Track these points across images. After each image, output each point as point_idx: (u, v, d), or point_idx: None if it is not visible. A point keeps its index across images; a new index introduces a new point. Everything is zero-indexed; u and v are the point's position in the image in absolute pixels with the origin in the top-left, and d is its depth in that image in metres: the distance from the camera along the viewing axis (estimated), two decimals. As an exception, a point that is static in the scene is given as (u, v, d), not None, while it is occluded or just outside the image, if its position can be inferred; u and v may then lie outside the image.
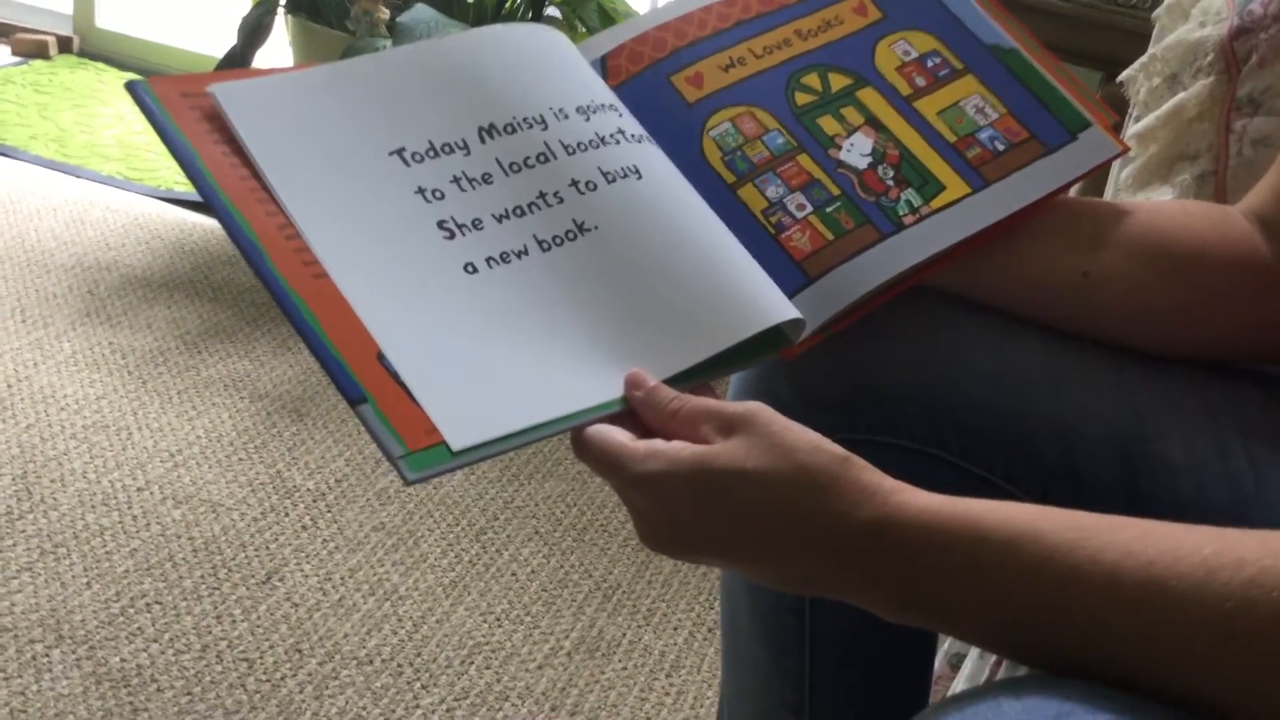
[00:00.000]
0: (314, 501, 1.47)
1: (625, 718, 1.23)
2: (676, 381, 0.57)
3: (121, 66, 2.82)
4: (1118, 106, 0.84)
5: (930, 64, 0.71)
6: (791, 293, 0.61)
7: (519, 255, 0.58)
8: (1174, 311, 0.66)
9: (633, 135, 0.64)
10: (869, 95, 0.69)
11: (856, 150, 0.67)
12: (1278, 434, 0.65)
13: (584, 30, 2.08)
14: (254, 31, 2.02)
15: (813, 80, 0.69)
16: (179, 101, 0.58)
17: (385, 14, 1.98)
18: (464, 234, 0.58)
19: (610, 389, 0.56)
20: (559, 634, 1.32)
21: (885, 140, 0.67)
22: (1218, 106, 0.83)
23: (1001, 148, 0.68)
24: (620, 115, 0.64)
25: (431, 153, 0.60)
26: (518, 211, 0.60)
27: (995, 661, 0.82)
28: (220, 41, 2.19)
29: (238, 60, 2.00)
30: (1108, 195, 1.01)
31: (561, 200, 0.60)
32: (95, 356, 1.68)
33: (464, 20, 2.06)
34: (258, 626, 1.26)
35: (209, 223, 2.13)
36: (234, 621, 1.26)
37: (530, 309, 0.57)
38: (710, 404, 0.53)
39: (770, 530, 0.49)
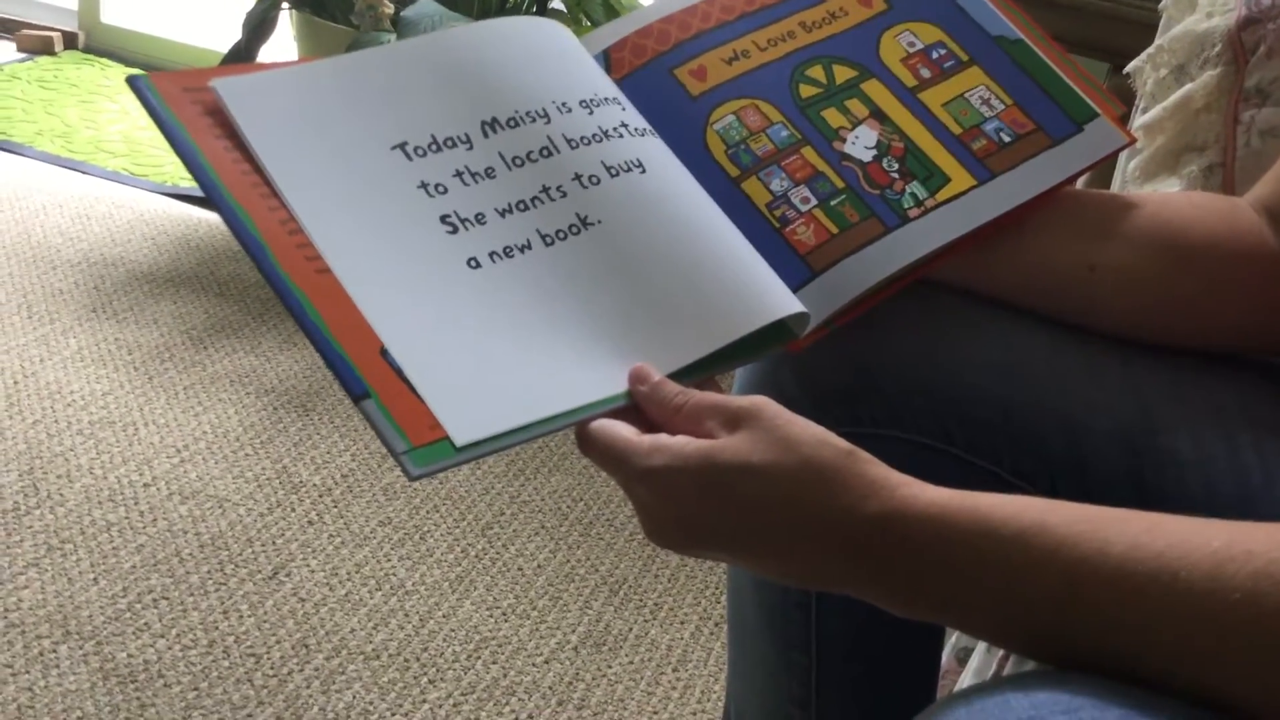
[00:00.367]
0: (320, 497, 1.47)
1: (632, 712, 1.23)
2: (681, 376, 0.57)
3: (127, 62, 2.81)
4: (1125, 98, 0.84)
5: (935, 55, 0.71)
6: (796, 286, 0.61)
7: (522, 250, 0.58)
8: (1181, 304, 0.66)
9: (636, 129, 0.63)
10: (874, 87, 0.69)
11: (861, 143, 0.67)
12: (1286, 427, 0.65)
13: (588, 23, 2.08)
14: (259, 26, 2.02)
15: (817, 72, 0.69)
16: (181, 96, 0.58)
17: (390, 8, 1.98)
18: (467, 228, 0.58)
19: (614, 383, 0.56)
20: (565, 628, 1.32)
21: (890, 133, 0.67)
22: (1225, 97, 0.83)
23: (1007, 139, 0.68)
24: (624, 109, 0.64)
25: (434, 147, 0.60)
26: (521, 206, 0.59)
27: (1003, 656, 0.82)
28: (225, 37, 2.19)
29: (242, 55, 2.00)
30: (1114, 187, 1.01)
31: (565, 194, 0.60)
32: (101, 352, 1.68)
33: (468, 14, 2.06)
34: (264, 621, 1.26)
35: (214, 218, 2.13)
36: (241, 616, 1.26)
37: (533, 303, 0.57)
38: (715, 398, 0.53)
39: (776, 525, 0.49)
